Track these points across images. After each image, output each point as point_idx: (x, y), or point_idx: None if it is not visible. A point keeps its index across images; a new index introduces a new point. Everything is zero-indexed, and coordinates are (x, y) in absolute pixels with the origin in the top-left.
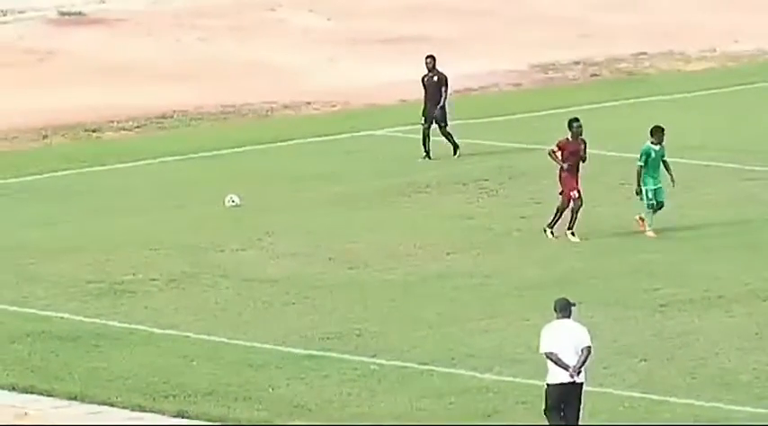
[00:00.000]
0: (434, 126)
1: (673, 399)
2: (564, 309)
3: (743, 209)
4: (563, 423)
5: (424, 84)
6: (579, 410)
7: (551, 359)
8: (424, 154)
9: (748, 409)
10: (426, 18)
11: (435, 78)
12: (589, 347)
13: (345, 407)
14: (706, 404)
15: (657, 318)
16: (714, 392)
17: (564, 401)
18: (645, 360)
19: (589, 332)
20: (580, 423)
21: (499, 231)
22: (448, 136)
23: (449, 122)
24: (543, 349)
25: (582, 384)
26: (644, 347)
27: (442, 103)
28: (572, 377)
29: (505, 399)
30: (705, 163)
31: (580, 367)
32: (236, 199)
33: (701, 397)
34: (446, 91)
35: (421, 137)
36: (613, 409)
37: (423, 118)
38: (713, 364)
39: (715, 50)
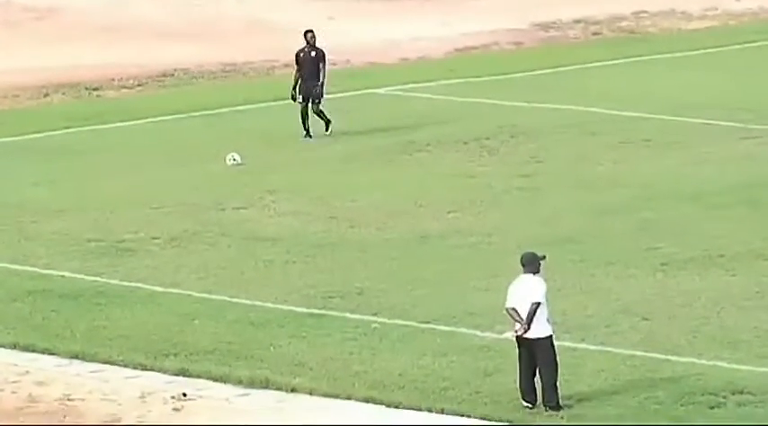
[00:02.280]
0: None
1: (674, 358)
2: (530, 263)
3: (743, 168)
4: (524, 375)
5: (298, 60)
6: (549, 366)
7: (509, 314)
8: (304, 133)
9: (750, 368)
10: None
11: (313, 53)
12: (536, 302)
13: (347, 366)
14: (707, 363)
15: (659, 277)
16: (716, 350)
17: (530, 355)
18: (646, 319)
19: (545, 287)
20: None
21: (500, 189)
22: (320, 113)
23: (323, 100)
24: (506, 304)
25: (538, 339)
26: (645, 306)
27: (321, 80)
28: (517, 332)
29: (506, 357)
30: (706, 121)
31: (528, 322)
32: (238, 158)
33: (702, 356)
34: (324, 67)
35: (299, 116)
36: (615, 368)
37: (300, 96)
38: (714, 323)
39: (716, 9)
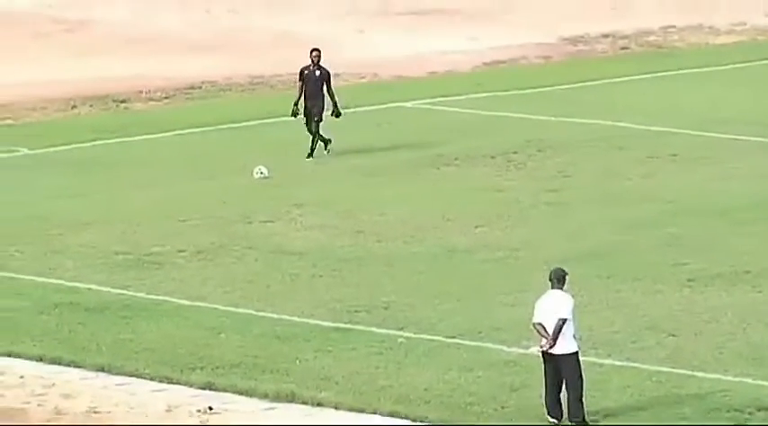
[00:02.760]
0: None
1: (701, 374)
2: (558, 279)
3: None
4: (550, 390)
5: (302, 77)
6: (575, 382)
7: (536, 330)
8: (325, 149)
9: None
10: None
11: (317, 73)
12: (563, 318)
13: (373, 380)
14: (734, 379)
15: (686, 293)
16: (742, 367)
17: (555, 371)
18: (673, 335)
19: (572, 303)
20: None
21: (527, 204)
22: (317, 133)
23: (323, 118)
24: (533, 319)
25: (564, 355)
26: (672, 321)
27: (333, 100)
28: (542, 347)
29: (532, 373)
30: (733, 136)
31: (553, 338)
32: (265, 171)
33: (728, 372)
34: (330, 86)
35: (311, 136)
36: (641, 384)
37: (304, 117)
38: (741, 339)
39: (744, 24)
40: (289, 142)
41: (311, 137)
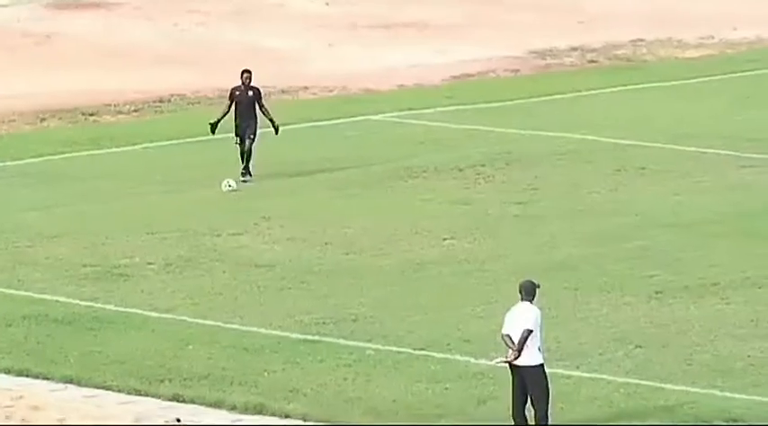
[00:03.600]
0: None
1: (668, 386)
2: (527, 292)
3: (739, 197)
4: (516, 402)
5: (233, 98)
6: (539, 394)
7: (504, 341)
8: (244, 173)
9: (743, 396)
10: (425, 3)
11: (250, 93)
12: (527, 329)
13: (341, 392)
14: (701, 391)
15: (653, 305)
16: (709, 379)
17: (521, 383)
18: (640, 347)
19: (538, 315)
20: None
21: (496, 217)
22: (250, 152)
23: (257, 137)
24: (502, 331)
25: (528, 366)
26: (640, 333)
27: (270, 121)
28: (509, 358)
29: (501, 385)
30: (702, 150)
31: (518, 349)
32: (233, 184)
33: (696, 384)
34: (263, 104)
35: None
36: (609, 395)
37: (236, 137)
38: (709, 351)
39: (713, 37)
40: (257, 156)
41: (246, 156)
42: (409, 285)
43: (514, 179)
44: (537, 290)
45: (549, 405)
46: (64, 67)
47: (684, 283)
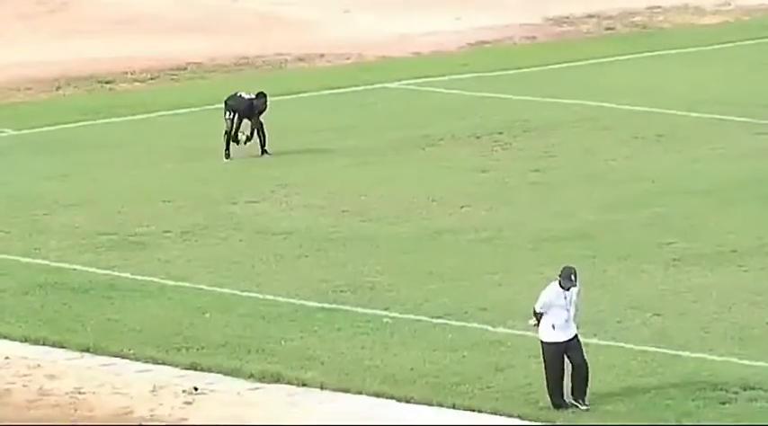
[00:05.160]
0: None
1: (686, 354)
2: (561, 274)
3: (756, 164)
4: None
5: (236, 110)
6: (545, 368)
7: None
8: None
9: (762, 363)
10: None
11: (254, 103)
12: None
13: (358, 360)
14: (719, 359)
15: (671, 272)
16: (727, 346)
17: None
18: (658, 315)
19: (549, 296)
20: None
21: (513, 184)
22: (261, 127)
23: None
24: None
25: (540, 340)
26: (657, 301)
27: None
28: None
29: (518, 353)
30: (719, 117)
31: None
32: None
33: (714, 352)
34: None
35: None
36: (627, 363)
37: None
38: (726, 319)
39: (730, 4)
40: (274, 123)
41: (258, 138)
42: (426, 253)
43: (531, 146)
44: (568, 272)
45: (552, 383)
46: (79, 35)
47: (702, 250)
